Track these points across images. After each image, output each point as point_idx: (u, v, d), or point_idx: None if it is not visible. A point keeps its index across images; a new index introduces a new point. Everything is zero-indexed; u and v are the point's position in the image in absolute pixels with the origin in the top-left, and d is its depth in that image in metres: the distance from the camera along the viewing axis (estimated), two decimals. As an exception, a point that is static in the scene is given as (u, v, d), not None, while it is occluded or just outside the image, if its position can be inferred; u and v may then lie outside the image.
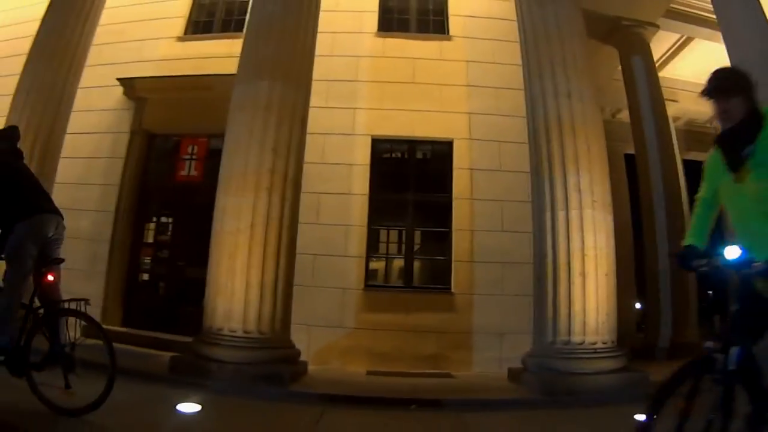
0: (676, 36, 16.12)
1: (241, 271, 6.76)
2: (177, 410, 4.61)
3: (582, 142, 7.46)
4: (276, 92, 7.42)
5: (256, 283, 6.77)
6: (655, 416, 2.30)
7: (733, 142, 2.63)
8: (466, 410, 5.81)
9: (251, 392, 5.86)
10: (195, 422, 4.50)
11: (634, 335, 13.36)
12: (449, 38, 11.26)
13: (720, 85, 2.70)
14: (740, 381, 2.36)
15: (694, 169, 20.04)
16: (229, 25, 11.85)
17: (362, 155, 10.46)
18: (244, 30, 8.58)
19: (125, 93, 11.16)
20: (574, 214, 7.12)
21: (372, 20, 11.26)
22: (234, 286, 6.74)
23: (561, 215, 7.17)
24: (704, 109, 15.89)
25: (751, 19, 8.49)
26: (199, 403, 4.75)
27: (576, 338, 6.76)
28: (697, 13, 14.43)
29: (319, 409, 5.33)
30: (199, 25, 12.08)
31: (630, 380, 6.49)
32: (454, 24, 11.45)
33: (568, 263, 6.99)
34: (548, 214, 7.30)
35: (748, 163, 2.50)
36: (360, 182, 10.34)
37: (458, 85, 10.81)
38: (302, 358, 7.45)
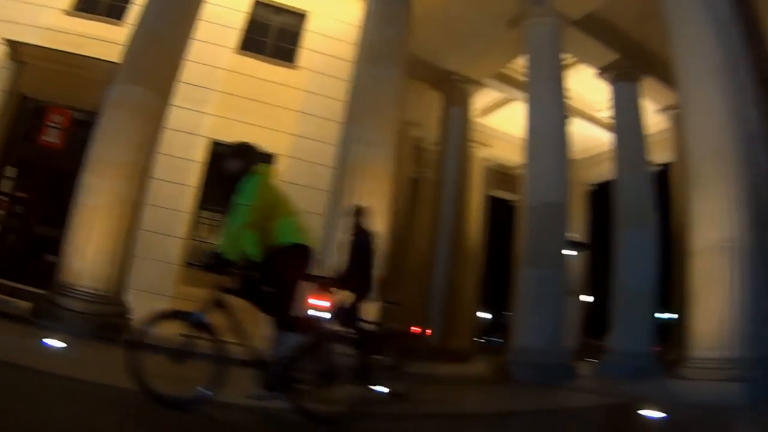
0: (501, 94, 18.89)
1: (96, 239, 8.50)
2: (44, 342, 6.07)
3: (372, 181, 10.01)
4: (147, 98, 9.21)
5: (106, 251, 8.55)
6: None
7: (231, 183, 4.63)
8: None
9: (97, 336, 7.63)
10: (63, 353, 5.99)
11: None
12: (295, 67, 13.21)
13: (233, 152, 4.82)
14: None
15: (498, 202, 23.86)
16: (113, 9, 12.80)
17: (201, 154, 12.38)
18: (131, 38, 9.67)
19: (9, 54, 11.93)
20: None
21: (235, 37, 12.85)
22: (89, 250, 8.46)
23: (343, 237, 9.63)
24: (511, 156, 19.26)
25: (552, 93, 12.04)
26: (62, 341, 6.13)
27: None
28: (519, 79, 16.85)
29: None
30: (85, 3, 12.84)
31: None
32: (304, 56, 13.38)
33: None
34: (338, 234, 9.61)
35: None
36: (195, 176, 12.28)
37: (292, 109, 12.89)
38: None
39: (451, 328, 16.20)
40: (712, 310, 7.88)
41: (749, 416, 6.16)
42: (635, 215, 14.32)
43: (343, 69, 12.48)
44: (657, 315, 14.45)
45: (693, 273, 8.55)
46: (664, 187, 17.25)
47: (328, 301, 5.14)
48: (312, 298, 4.97)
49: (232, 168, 4.80)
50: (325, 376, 4.20)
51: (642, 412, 5.90)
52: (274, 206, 4.75)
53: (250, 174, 4.68)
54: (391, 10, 11.36)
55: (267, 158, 4.39)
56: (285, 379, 4.11)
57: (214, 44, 12.39)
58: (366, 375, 4.58)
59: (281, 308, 4.50)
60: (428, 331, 4.47)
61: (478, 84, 17.40)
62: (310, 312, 4.94)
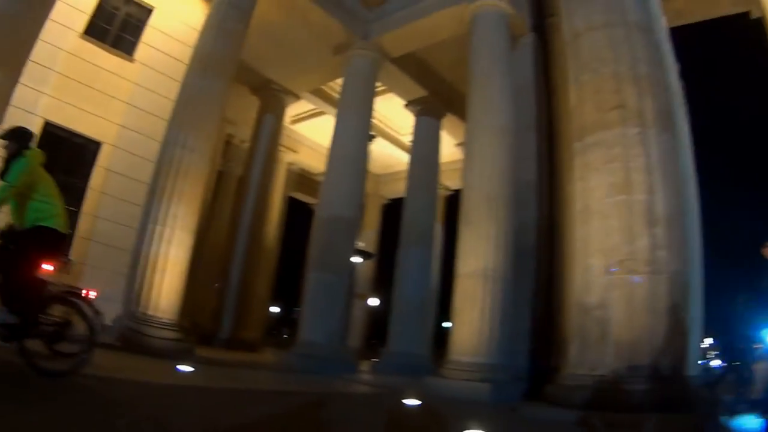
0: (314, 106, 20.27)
1: None
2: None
3: (186, 183, 10.92)
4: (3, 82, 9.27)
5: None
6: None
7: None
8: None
9: None
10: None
11: (208, 324, 16.86)
12: (132, 60, 13.36)
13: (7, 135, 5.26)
14: None
15: (297, 204, 25.42)
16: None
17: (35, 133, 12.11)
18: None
19: None
20: (167, 231, 10.54)
21: (82, 20, 12.64)
22: None
23: (158, 229, 10.53)
24: (315, 163, 20.82)
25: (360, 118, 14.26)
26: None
27: (151, 312, 10.09)
28: (333, 96, 18.71)
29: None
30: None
31: (180, 347, 9.97)
32: (142, 50, 13.55)
33: (156, 261, 10.35)
34: (151, 226, 10.57)
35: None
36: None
37: (122, 100, 13.12)
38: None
39: (243, 319, 17.27)
40: (470, 323, 10.02)
41: (487, 409, 7.96)
42: (417, 235, 16.49)
43: (177, 70, 12.93)
44: (439, 323, 16.69)
45: (457, 291, 10.61)
46: (455, 211, 19.75)
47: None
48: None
49: (8, 149, 5.23)
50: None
51: (404, 400, 7.46)
52: (34, 188, 5.16)
53: (20, 156, 5.12)
54: (230, 26, 12.12)
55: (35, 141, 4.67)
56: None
57: (62, 25, 12.10)
58: (26, 332, 4.84)
59: (10, 285, 4.85)
60: (94, 293, 4.75)
61: (295, 96, 18.63)
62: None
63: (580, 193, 8.33)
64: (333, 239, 13.34)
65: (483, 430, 5.26)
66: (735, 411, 6.71)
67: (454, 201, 18.23)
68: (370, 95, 15.08)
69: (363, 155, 14.58)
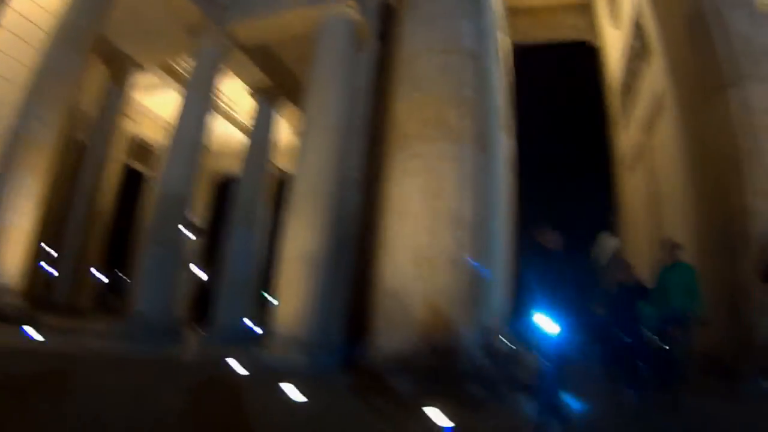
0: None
1: None
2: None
3: (38, 156, 11.33)
4: None
5: None
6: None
7: None
8: None
9: None
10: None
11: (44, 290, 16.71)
12: None
13: None
14: None
15: (135, 174, 25.15)
16: None
17: None
18: None
19: None
20: (14, 201, 10.93)
21: None
22: None
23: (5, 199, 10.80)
24: (148, 132, 21.01)
25: (203, 100, 14.92)
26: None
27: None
28: (181, 74, 19.10)
29: None
30: None
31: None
32: (8, 14, 13.04)
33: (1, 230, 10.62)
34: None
35: None
36: None
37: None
38: None
39: (77, 286, 17.29)
40: (292, 302, 11.06)
41: (303, 378, 9.04)
42: (246, 214, 17.40)
43: (39, 38, 12.66)
44: (264, 300, 17.60)
45: (282, 273, 11.59)
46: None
47: None
48: None
49: None
50: None
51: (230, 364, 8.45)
52: None
53: None
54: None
55: None
56: None
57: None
58: None
59: None
60: None
61: (143, 69, 18.68)
62: None
63: (398, 196, 9.60)
64: (168, 214, 13.75)
65: (299, 394, 6.28)
66: (511, 389, 8.15)
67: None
68: (214, 78, 15.66)
69: (201, 138, 15.09)
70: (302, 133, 12.98)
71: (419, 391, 7.03)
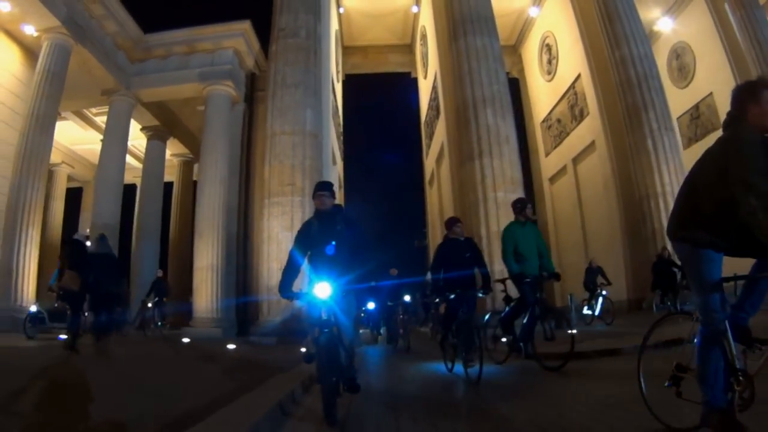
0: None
1: None
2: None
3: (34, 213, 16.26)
4: None
5: None
6: None
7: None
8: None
9: None
10: None
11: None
12: None
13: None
14: None
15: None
16: None
17: None
18: None
19: None
20: None
21: None
22: None
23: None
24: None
25: (118, 144, 19.37)
26: None
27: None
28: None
29: None
30: None
31: None
32: None
33: None
34: None
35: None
36: None
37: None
38: None
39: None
40: (205, 296, 17.47)
41: (221, 341, 14.83)
42: (148, 230, 22.82)
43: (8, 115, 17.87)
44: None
45: (196, 277, 17.95)
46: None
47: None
48: None
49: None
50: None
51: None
52: None
53: None
54: (50, 90, 17.42)
55: None
56: None
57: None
58: None
59: None
60: None
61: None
62: None
63: (267, 228, 15.62)
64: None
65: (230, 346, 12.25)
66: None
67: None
68: (126, 124, 21.28)
69: (122, 174, 20.76)
70: (199, 183, 19.34)
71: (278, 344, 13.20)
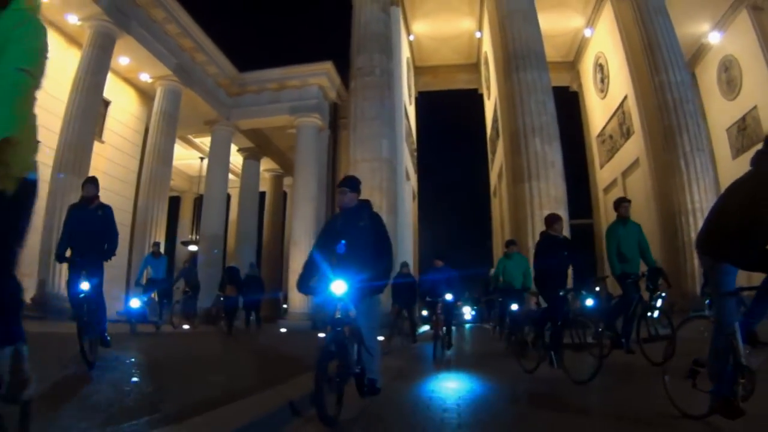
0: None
1: None
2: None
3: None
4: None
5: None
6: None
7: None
8: None
9: None
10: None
11: None
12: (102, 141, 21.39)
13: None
14: None
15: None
16: None
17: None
18: None
19: None
20: None
21: None
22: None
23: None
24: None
25: (221, 167, 23.25)
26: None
27: None
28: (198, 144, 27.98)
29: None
30: None
31: None
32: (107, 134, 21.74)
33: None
34: None
35: None
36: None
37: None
38: None
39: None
40: (298, 295, 20.66)
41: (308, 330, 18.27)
42: (247, 236, 26.71)
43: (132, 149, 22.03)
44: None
45: (291, 279, 21.45)
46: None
47: None
48: None
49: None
50: None
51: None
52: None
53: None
54: (166, 129, 21.31)
55: None
56: None
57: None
58: None
59: None
60: None
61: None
62: None
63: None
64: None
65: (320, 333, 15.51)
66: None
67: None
68: (228, 151, 25.41)
69: (224, 192, 24.80)
70: (294, 200, 23.05)
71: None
